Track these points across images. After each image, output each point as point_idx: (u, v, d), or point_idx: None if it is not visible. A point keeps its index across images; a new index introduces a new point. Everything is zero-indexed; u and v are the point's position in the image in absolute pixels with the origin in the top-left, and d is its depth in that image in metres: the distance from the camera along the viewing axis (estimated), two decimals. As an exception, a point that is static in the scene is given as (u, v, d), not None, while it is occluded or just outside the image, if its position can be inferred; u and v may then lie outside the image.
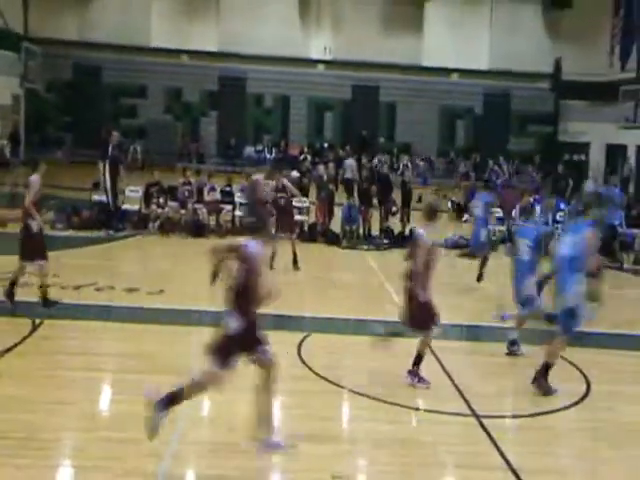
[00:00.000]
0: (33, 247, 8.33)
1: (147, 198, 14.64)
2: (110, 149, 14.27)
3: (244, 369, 6.63)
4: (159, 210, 14.49)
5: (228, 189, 15.46)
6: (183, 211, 14.54)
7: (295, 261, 11.40)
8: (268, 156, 29.01)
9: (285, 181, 11.93)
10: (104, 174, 14.16)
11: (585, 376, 7.23)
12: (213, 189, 15.04)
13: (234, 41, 29.22)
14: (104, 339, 7.76)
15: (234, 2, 29.85)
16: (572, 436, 5.97)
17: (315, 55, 30.79)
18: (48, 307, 8.38)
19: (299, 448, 5.23)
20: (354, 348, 8.05)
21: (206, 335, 7.48)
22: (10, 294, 8.35)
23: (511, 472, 5.10)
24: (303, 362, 7.18)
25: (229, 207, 14.97)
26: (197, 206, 14.54)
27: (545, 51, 29.68)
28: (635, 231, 14.44)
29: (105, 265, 11.58)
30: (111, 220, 14.05)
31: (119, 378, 6.63)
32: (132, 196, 15.16)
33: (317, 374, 6.85)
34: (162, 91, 30.38)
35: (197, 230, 14.20)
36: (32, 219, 8.27)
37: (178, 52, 29.65)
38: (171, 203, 14.63)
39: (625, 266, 13.91)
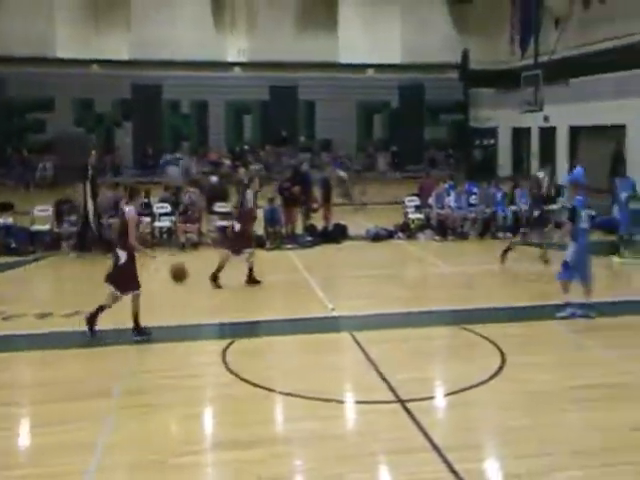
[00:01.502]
0: None
1: (58, 216, 14.14)
2: (90, 169, 13.71)
3: (154, 389, 6.63)
4: (72, 228, 14.06)
5: (146, 201, 15.19)
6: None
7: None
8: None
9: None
10: (85, 196, 13.58)
11: (500, 349, 7.55)
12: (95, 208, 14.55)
13: (146, 47, 28.72)
14: (15, 370, 7.47)
15: (144, 7, 29.25)
16: (490, 409, 6.22)
17: (231, 58, 30.68)
18: None
19: (230, 455, 5.26)
20: (280, 349, 8.13)
21: (128, 353, 7.39)
22: None
23: (435, 452, 5.28)
24: (228, 368, 7.18)
25: (147, 219, 14.69)
26: (112, 221, 14.13)
27: (453, 43, 30.61)
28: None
29: (14, 291, 10.98)
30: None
31: (35, 410, 6.40)
32: (41, 215, 14.52)
33: (244, 379, 6.87)
34: (71, 103, 29.48)
35: (84, 243, 13.65)
36: None
37: (87, 62, 28.87)
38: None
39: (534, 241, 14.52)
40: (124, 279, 8.08)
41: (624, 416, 5.84)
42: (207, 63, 29.46)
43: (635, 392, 6.40)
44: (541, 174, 14.87)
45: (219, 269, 10.69)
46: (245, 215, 10.96)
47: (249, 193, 11.06)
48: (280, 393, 6.57)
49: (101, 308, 8.09)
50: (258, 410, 6.20)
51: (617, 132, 21.93)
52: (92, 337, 8.08)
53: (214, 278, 10.67)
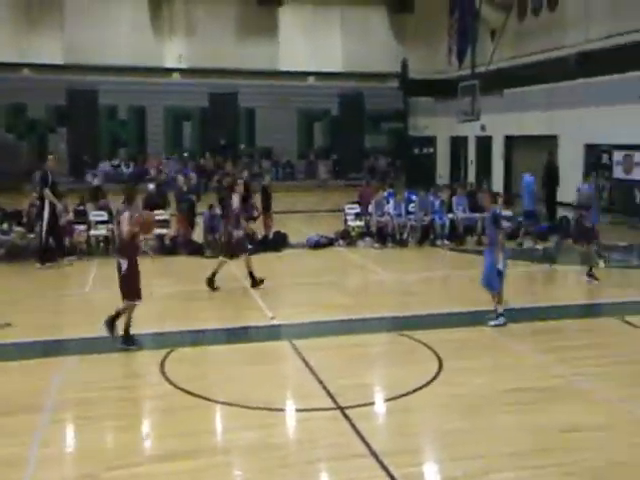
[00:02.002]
0: None
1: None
2: (49, 176, 13.14)
3: (88, 401, 6.46)
4: (3, 237, 13.56)
5: (82, 208, 14.82)
6: (31, 235, 13.66)
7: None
8: (125, 170, 28.11)
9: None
10: (42, 205, 12.95)
11: (437, 354, 7.68)
12: (65, 210, 14.31)
13: (81, 51, 27.92)
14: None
15: (79, 10, 28.42)
16: (428, 413, 6.31)
17: (170, 63, 30.18)
18: None
19: (167, 467, 5.17)
20: (219, 358, 8.04)
21: (62, 365, 7.16)
22: None
23: (374, 457, 5.32)
24: (167, 378, 7.06)
25: (83, 227, 14.31)
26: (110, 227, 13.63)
27: (393, 52, 31.05)
28: (477, 215, 15.49)
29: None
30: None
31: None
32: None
33: (182, 389, 6.77)
34: (2, 108, 28.48)
35: (46, 255, 13.17)
36: None
37: (18, 65, 27.91)
38: (17, 228, 13.74)
39: (468, 248, 14.94)
40: (128, 288, 7.93)
41: (554, 418, 6.01)
42: (145, 68, 28.93)
43: (565, 395, 6.60)
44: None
45: (214, 274, 10.96)
46: (238, 219, 11.28)
47: (235, 197, 11.30)
48: (219, 403, 6.50)
49: (117, 314, 8.02)
50: (197, 420, 6.11)
51: (550, 142, 22.69)
52: (113, 339, 7.98)
53: (210, 283, 10.92)
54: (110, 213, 14.55)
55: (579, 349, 7.93)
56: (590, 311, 9.67)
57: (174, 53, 30.05)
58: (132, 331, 8.06)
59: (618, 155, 20.11)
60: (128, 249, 8.02)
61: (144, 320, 9.22)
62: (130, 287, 7.96)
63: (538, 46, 23.62)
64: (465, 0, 27.20)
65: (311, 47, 30.72)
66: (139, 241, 8.35)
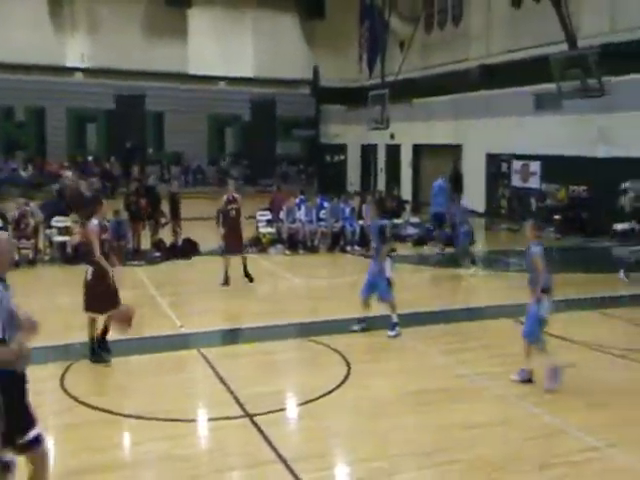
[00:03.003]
0: None
1: None
2: None
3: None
4: None
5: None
6: None
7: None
8: (23, 174, 26.75)
9: None
10: None
11: (345, 359, 7.82)
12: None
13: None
14: None
15: (-30, 4, 26.94)
16: (336, 417, 6.41)
17: (71, 62, 29.03)
18: None
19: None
20: (125, 369, 7.83)
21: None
22: None
23: (283, 464, 5.35)
24: (68, 393, 6.81)
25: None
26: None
27: (305, 59, 31.31)
28: (385, 222, 15.82)
29: None
30: None
31: None
32: None
33: (85, 403, 6.54)
34: None
35: None
36: None
37: None
38: None
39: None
40: (89, 297, 7.72)
41: (456, 417, 6.26)
42: (44, 67, 27.66)
43: (467, 394, 6.88)
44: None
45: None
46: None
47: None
48: (125, 416, 6.33)
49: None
50: (102, 435, 5.93)
51: (455, 151, 23.58)
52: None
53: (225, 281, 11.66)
54: (4, 219, 13.84)
55: (478, 350, 8.29)
56: (488, 313, 10.08)
57: (76, 52, 28.90)
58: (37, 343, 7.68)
59: (516, 164, 21.17)
60: (93, 257, 7.80)
61: (44, 332, 8.82)
62: (92, 297, 7.80)
63: (444, 58, 24.54)
64: (374, 11, 27.88)
65: (222, 51, 30.44)
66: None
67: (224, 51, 30.49)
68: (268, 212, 16.80)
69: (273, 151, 32.10)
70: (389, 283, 8.78)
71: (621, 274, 12.50)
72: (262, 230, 16.20)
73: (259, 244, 15.64)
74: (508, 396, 6.79)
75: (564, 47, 17.78)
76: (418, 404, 6.60)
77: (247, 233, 16.03)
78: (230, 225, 11.85)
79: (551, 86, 18.43)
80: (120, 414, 6.35)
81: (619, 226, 16.22)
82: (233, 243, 11.83)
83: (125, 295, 11.00)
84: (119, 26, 28.88)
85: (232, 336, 8.89)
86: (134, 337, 8.82)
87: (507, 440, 5.81)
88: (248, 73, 31.17)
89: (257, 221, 16.44)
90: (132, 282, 11.22)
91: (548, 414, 6.31)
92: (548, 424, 6.14)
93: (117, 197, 21.79)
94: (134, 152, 28.92)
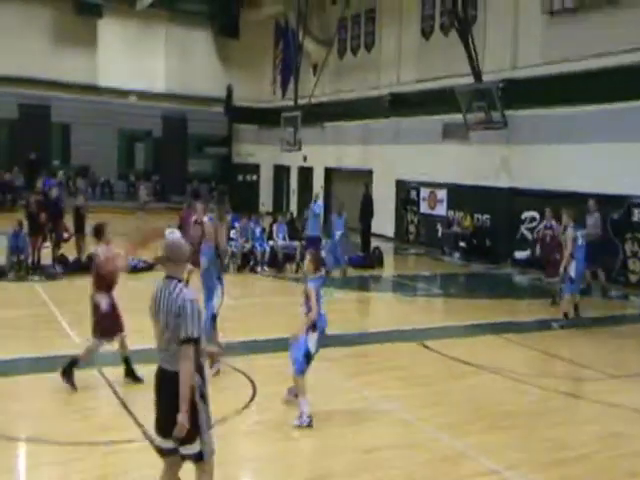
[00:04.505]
0: None
1: None
2: None
3: None
4: None
5: None
6: None
7: None
8: None
9: None
10: None
11: (251, 380, 7.71)
12: None
13: None
14: None
15: None
16: (237, 441, 6.28)
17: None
18: None
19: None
20: (18, 390, 7.38)
21: None
22: None
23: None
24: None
25: None
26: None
27: (218, 77, 31.12)
28: (296, 243, 15.96)
29: None
30: None
31: None
32: None
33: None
34: None
35: None
36: None
37: None
38: None
39: (287, 275, 15.27)
40: (105, 325, 7.62)
41: (360, 440, 6.28)
42: None
43: (370, 416, 6.92)
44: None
45: None
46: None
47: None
48: (18, 439, 5.96)
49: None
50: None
51: (365, 176, 24.02)
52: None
53: None
54: None
55: (383, 372, 8.37)
56: (393, 336, 10.21)
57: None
58: None
59: (424, 192, 21.81)
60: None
61: None
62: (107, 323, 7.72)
63: (356, 84, 25.07)
64: (289, 33, 28.18)
65: (133, 64, 29.71)
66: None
67: (135, 64, 29.80)
68: (177, 230, 16.40)
69: (185, 168, 31.63)
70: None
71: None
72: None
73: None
74: (411, 419, 6.88)
75: (470, 80, 18.59)
76: (322, 427, 6.56)
77: (155, 250, 15.67)
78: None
79: (458, 117, 19.21)
80: (13, 438, 5.99)
81: (518, 254, 17.02)
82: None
83: (23, 312, 10.54)
84: (25, 32, 27.69)
85: (134, 357, 8.55)
86: (32, 356, 8.38)
87: (408, 464, 5.87)
88: (160, 88, 30.63)
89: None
90: (31, 299, 10.66)
91: (449, 437, 6.43)
92: (449, 447, 6.25)
93: (18, 209, 20.78)
94: (38, 163, 27.64)
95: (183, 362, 4.17)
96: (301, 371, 6.62)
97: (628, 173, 14.87)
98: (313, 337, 6.62)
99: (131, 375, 7.64)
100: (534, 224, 17.28)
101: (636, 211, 14.93)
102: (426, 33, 21.95)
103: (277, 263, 15.87)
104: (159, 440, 4.45)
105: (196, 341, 4.22)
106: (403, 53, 23.05)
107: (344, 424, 6.66)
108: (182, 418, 4.13)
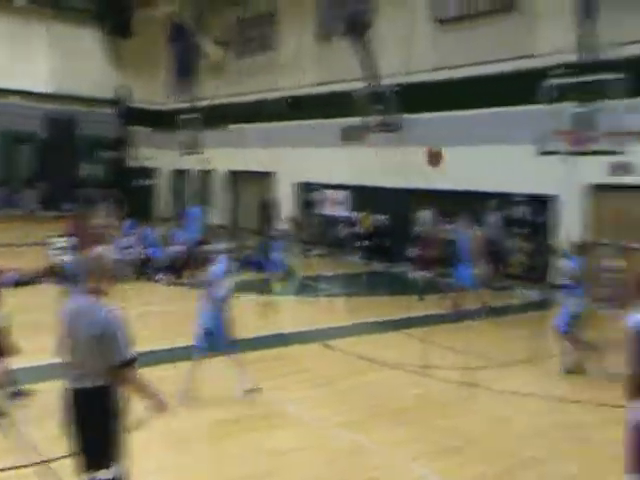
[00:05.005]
0: None
1: None
2: None
3: None
4: None
5: None
6: None
7: None
8: None
9: None
10: None
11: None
12: None
13: None
14: None
15: None
16: (143, 454, 5.98)
17: None
18: None
19: None
20: None
21: None
22: None
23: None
24: None
25: None
26: None
27: (110, 77, 29.78)
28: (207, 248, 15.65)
29: None
30: None
31: None
32: None
33: None
34: None
35: None
36: None
37: None
38: None
39: (186, 281, 14.96)
40: None
41: (262, 443, 6.22)
42: None
43: (277, 420, 6.85)
44: None
45: None
46: None
47: None
48: None
49: None
50: None
51: (268, 179, 23.98)
52: None
53: None
54: None
55: (287, 375, 8.34)
56: (298, 338, 10.21)
57: None
58: None
59: (326, 193, 22.06)
60: None
61: None
62: None
63: (256, 86, 24.92)
64: (184, 32, 27.58)
65: (13, 62, 27.70)
66: None
67: (15, 63, 27.83)
68: (66, 238, 15.50)
69: (75, 173, 29.76)
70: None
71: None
72: (57, 258, 14.65)
73: (53, 273, 13.98)
74: (315, 420, 6.88)
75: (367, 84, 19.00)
76: (226, 433, 6.46)
77: (42, 261, 14.79)
78: None
79: (357, 119, 19.57)
80: None
81: (410, 252, 17.60)
82: None
83: None
84: None
85: (26, 374, 8.09)
86: None
87: (314, 464, 5.85)
88: (43, 88, 28.65)
89: (52, 248, 14.84)
90: None
91: (353, 434, 6.48)
92: (353, 444, 6.30)
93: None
94: None
95: (126, 385, 4.08)
96: None
97: (510, 173, 15.81)
98: None
99: None
100: (428, 223, 17.95)
101: (518, 208, 15.92)
102: (324, 37, 22.20)
103: (175, 269, 15.49)
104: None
105: (131, 362, 4.07)
106: (303, 56, 23.18)
107: (246, 429, 6.57)
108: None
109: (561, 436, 6.72)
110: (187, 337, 9.30)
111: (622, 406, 4.53)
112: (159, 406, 4.25)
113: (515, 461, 6.01)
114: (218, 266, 7.65)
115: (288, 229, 17.51)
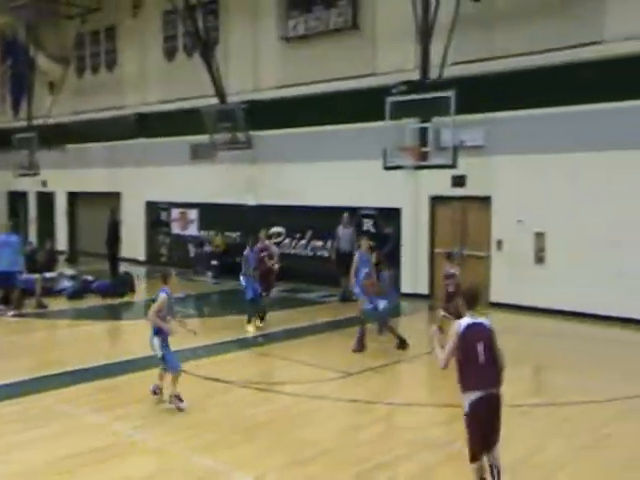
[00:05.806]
0: None
1: None
2: None
3: None
4: None
5: None
6: None
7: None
8: None
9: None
10: None
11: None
12: None
13: None
14: None
15: None
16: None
17: None
18: None
19: None
20: None
21: None
22: None
23: None
24: None
25: None
26: None
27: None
28: (35, 276, 14.68)
29: None
30: None
31: None
32: None
33: None
34: None
35: None
36: None
37: None
38: None
39: (27, 311, 13.93)
40: None
41: (115, 475, 5.91)
42: None
43: (124, 450, 6.53)
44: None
45: None
46: None
47: None
48: None
49: None
50: None
51: (113, 199, 23.00)
52: None
53: None
54: None
55: (132, 404, 7.96)
56: (140, 365, 9.70)
57: None
58: None
59: (175, 212, 21.57)
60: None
61: None
62: None
63: (99, 104, 23.94)
64: (18, 47, 26.03)
65: None
66: None
67: None
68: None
69: None
70: None
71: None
72: None
73: None
74: (165, 446, 6.64)
75: (215, 101, 18.87)
76: (70, 469, 6.02)
77: None
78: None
79: (205, 137, 19.35)
80: None
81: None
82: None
83: None
84: None
85: None
86: None
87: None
88: None
89: None
90: None
91: (204, 457, 6.32)
92: (204, 467, 6.14)
93: None
94: None
95: None
96: None
97: (358, 189, 16.48)
98: None
99: None
100: (280, 239, 18.07)
101: (364, 221, 16.60)
102: (169, 54, 21.78)
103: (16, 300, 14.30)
104: None
105: None
106: (147, 73, 22.59)
107: (94, 462, 6.19)
108: None
109: (396, 440, 6.97)
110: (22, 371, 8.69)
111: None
112: None
113: (369, 466, 6.12)
114: None
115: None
